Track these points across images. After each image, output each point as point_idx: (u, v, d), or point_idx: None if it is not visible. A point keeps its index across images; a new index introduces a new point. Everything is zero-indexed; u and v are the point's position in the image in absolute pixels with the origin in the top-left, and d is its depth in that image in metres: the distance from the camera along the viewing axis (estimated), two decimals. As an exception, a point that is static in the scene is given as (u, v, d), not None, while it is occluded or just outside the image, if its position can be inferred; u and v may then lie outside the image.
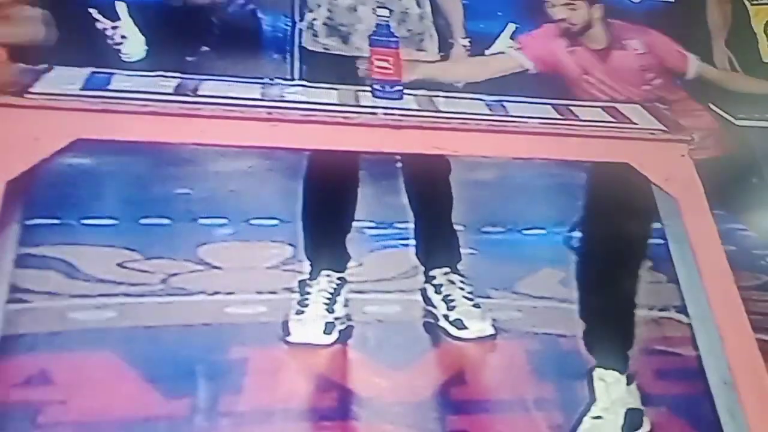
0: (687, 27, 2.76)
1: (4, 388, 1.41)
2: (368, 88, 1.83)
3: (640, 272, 1.87)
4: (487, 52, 2.23)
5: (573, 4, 2.02)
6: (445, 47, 2.09)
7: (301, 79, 2.07)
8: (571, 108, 1.99)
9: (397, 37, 1.59)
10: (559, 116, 1.92)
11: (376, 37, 1.58)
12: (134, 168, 1.83)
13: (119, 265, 1.70)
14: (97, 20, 2.04)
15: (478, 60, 2.15)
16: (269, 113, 1.74)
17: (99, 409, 1.40)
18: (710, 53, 2.40)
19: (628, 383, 1.72)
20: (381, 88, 1.58)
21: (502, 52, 2.16)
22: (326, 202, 1.87)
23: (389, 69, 1.54)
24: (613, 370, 1.70)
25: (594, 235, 1.88)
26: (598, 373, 1.68)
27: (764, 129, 2.35)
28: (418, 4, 2.04)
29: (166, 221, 1.79)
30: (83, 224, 1.73)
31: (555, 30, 2.04)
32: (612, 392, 1.69)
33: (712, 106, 2.57)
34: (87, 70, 1.78)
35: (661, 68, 2.12)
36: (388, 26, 1.59)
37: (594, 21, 2.06)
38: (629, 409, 1.69)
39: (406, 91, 1.87)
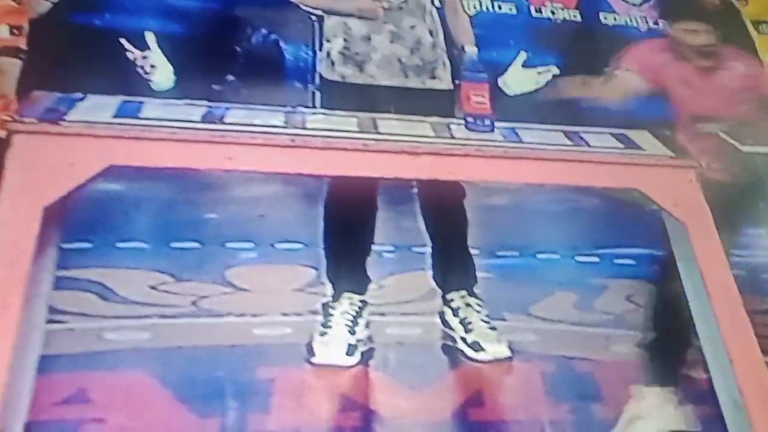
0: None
1: (44, 406, 1.46)
2: (382, 115, 1.91)
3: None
4: (504, 79, 2.31)
5: (705, 30, 2.25)
6: (458, 76, 2.16)
7: (321, 107, 2.15)
8: (582, 134, 2.06)
9: (485, 72, 1.66)
10: (569, 142, 1.99)
11: (468, 72, 1.65)
12: (164, 193, 1.90)
13: (152, 287, 1.77)
14: (128, 50, 2.11)
15: (602, 81, 2.32)
16: (292, 140, 1.81)
17: (134, 428, 1.45)
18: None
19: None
20: (474, 121, 1.65)
21: (615, 74, 2.36)
22: (346, 226, 1.93)
23: (484, 103, 1.62)
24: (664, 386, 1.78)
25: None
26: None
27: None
28: (431, 33, 2.12)
29: (195, 245, 1.86)
30: (116, 248, 1.80)
31: (663, 44, 2.26)
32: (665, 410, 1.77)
33: (720, 134, 2.64)
34: (119, 99, 1.86)
35: (756, 93, 2.31)
36: (477, 62, 1.67)
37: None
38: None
39: (424, 119, 1.95)
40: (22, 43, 1.67)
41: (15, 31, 1.68)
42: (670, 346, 1.93)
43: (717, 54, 2.35)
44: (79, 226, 1.69)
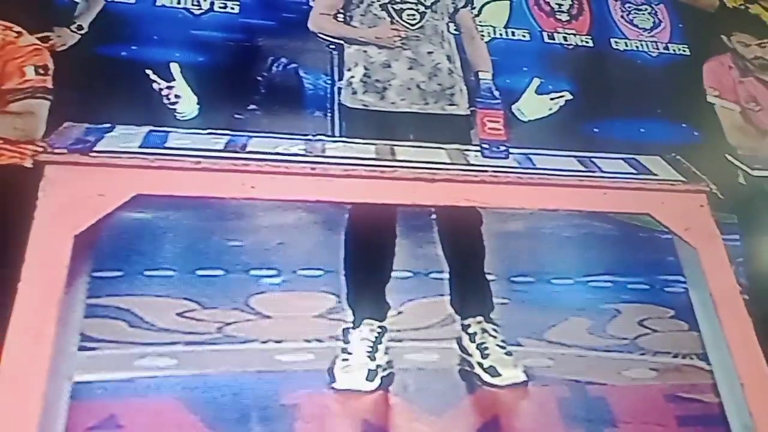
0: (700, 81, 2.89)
1: (78, 431, 1.52)
2: (398, 142, 1.96)
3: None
4: (518, 105, 2.37)
5: (764, 42, 2.35)
6: (474, 102, 2.21)
7: (341, 135, 2.20)
8: (594, 160, 2.10)
9: (500, 99, 1.71)
10: (583, 168, 2.03)
11: (481, 99, 1.70)
12: (189, 221, 1.96)
13: (179, 314, 1.82)
14: (154, 81, 2.18)
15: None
16: (312, 168, 1.86)
17: (165, 453, 1.50)
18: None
19: None
20: (489, 148, 1.69)
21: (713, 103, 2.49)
22: (366, 253, 1.98)
23: (499, 130, 1.66)
24: None
25: None
26: None
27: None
28: (449, 59, 2.17)
29: (220, 272, 1.92)
30: (145, 276, 1.85)
31: (728, 60, 2.36)
32: None
33: (728, 157, 2.68)
34: (145, 129, 1.92)
35: None
36: (491, 89, 1.71)
37: None
38: None
39: (440, 146, 1.99)
40: (48, 83, 1.72)
41: (41, 70, 1.73)
42: None
43: None
44: (109, 254, 1.75)
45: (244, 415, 1.63)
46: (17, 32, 1.70)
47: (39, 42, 1.76)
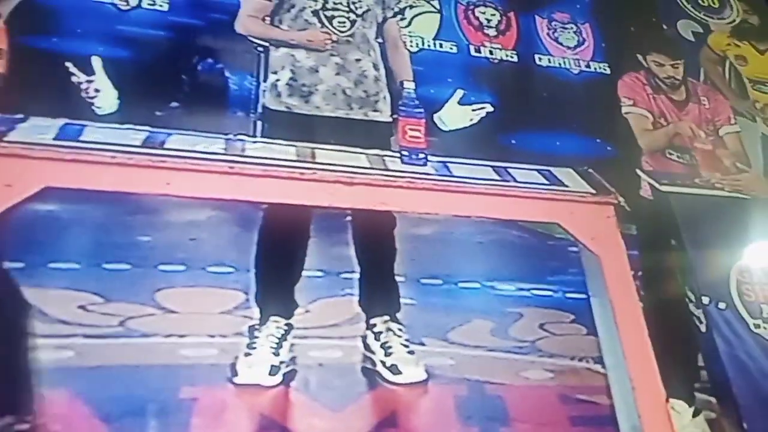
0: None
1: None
2: (319, 145, 2.01)
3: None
4: (440, 115, 2.46)
5: (677, 63, 2.40)
6: (397, 110, 2.27)
7: (262, 136, 2.24)
8: (509, 170, 2.20)
9: (422, 108, 1.76)
10: (497, 177, 2.13)
11: (404, 108, 1.75)
12: (99, 215, 1.96)
13: (80, 307, 1.82)
14: (73, 74, 2.17)
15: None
16: (230, 167, 1.90)
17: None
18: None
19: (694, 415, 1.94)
20: (409, 155, 1.74)
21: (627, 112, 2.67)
22: (278, 253, 2.02)
23: (419, 138, 1.71)
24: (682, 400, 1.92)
25: None
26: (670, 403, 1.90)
27: (683, 195, 2.62)
28: (375, 67, 2.24)
29: (127, 266, 1.92)
30: (48, 268, 1.85)
31: (642, 77, 2.52)
32: (680, 421, 1.91)
33: (638, 171, 2.83)
34: (60, 121, 1.92)
35: (711, 122, 2.56)
36: (414, 98, 1.77)
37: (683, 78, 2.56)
38: None
39: (361, 150, 2.05)
40: None
41: None
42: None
43: (688, 88, 2.67)
44: (12, 245, 1.74)
45: (140, 409, 1.65)
46: None
47: None
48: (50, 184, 1.75)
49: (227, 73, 2.56)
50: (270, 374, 1.87)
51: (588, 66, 3.32)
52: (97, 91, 2.18)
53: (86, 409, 1.62)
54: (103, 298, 1.84)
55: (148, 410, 1.65)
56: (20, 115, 1.94)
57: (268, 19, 2.31)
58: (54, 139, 1.85)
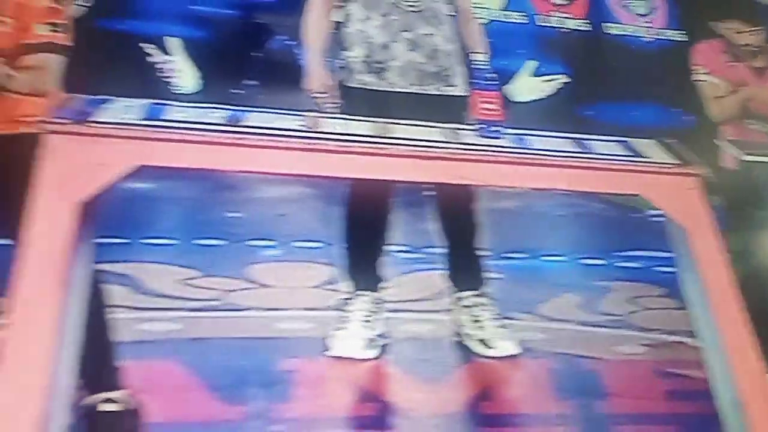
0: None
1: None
2: (395, 121, 1.98)
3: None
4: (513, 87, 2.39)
5: (756, 30, 2.42)
6: (470, 83, 2.23)
7: (341, 112, 2.22)
8: (587, 142, 2.13)
9: (496, 80, 1.72)
10: (577, 149, 2.07)
11: (476, 80, 1.71)
12: (191, 192, 1.99)
13: (181, 281, 1.85)
14: (151, 54, 2.20)
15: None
16: (309, 143, 1.89)
17: (168, 413, 1.53)
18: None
19: None
20: (484, 128, 1.70)
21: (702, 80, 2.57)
22: (364, 227, 2.01)
23: (494, 111, 1.67)
24: None
25: None
26: None
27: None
28: (447, 41, 2.19)
29: (220, 242, 1.94)
30: (145, 243, 1.88)
31: (721, 46, 2.42)
32: None
33: (719, 142, 2.73)
34: (144, 101, 1.94)
35: None
36: (487, 71, 1.73)
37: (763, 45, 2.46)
38: None
39: (436, 125, 2.02)
40: (63, 40, 1.71)
41: (55, 28, 1.72)
42: None
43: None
44: (112, 222, 1.77)
45: (243, 379, 1.67)
46: None
47: (55, 3, 1.76)
48: (142, 162, 1.76)
49: (296, 50, 2.56)
50: (364, 348, 1.87)
51: (661, 33, 3.22)
52: (176, 71, 2.20)
53: (196, 379, 1.64)
54: (200, 272, 1.86)
55: (250, 381, 1.67)
56: (107, 97, 1.96)
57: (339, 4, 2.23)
58: (141, 118, 1.87)
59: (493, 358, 1.93)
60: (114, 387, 1.53)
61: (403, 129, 2.02)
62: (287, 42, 2.50)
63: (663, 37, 3.20)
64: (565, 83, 2.61)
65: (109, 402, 1.51)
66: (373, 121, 2.00)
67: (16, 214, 1.44)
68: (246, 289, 1.89)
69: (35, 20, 1.64)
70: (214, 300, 1.84)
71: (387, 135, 1.97)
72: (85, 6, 2.29)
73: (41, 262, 1.52)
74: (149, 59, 2.17)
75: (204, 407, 1.58)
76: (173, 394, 1.59)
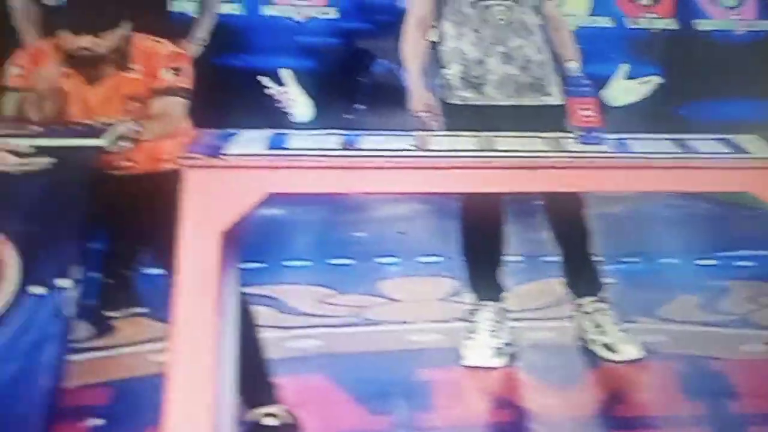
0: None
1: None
2: (498, 133, 2.04)
3: None
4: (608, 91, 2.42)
5: None
6: (566, 91, 2.26)
7: (443, 129, 2.30)
8: (688, 141, 2.13)
9: (590, 86, 1.76)
10: (678, 149, 2.07)
11: (572, 88, 1.76)
12: (316, 215, 2.10)
13: (318, 299, 1.96)
14: (268, 87, 2.34)
15: None
16: (420, 162, 1.97)
17: (322, 426, 1.65)
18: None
19: None
20: (583, 135, 1.74)
21: None
22: (480, 239, 2.07)
23: (592, 117, 1.71)
24: None
25: None
26: None
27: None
28: (539, 51, 2.23)
29: (349, 261, 2.05)
30: (285, 266, 2.00)
31: None
32: None
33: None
34: (268, 132, 2.06)
35: None
36: (581, 77, 1.77)
37: None
38: None
39: (537, 135, 2.06)
40: (184, 83, 1.84)
41: (178, 72, 1.84)
42: None
43: None
44: (251, 248, 1.91)
45: (386, 391, 1.76)
46: (157, 41, 1.85)
47: (178, 49, 1.89)
48: (272, 190, 1.88)
49: (399, 73, 2.65)
50: (493, 356, 1.94)
51: (751, 26, 3.16)
52: (291, 100, 2.32)
53: (342, 391, 1.75)
54: (335, 290, 1.97)
55: (392, 392, 1.76)
56: (232, 130, 2.09)
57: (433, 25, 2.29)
58: (267, 148, 1.98)
59: (618, 362, 1.96)
60: (272, 402, 1.64)
61: (506, 141, 2.08)
62: (389, 65, 2.59)
63: (755, 29, 3.14)
64: (659, 84, 2.61)
65: (270, 416, 1.62)
66: (476, 136, 2.07)
67: (167, 246, 1.55)
68: (378, 305, 1.98)
69: (161, 66, 1.77)
70: (351, 316, 1.95)
71: (492, 148, 2.03)
72: (203, 46, 2.46)
73: (195, 288, 1.65)
74: (266, 91, 2.31)
75: (354, 418, 1.68)
76: (324, 407, 1.69)
